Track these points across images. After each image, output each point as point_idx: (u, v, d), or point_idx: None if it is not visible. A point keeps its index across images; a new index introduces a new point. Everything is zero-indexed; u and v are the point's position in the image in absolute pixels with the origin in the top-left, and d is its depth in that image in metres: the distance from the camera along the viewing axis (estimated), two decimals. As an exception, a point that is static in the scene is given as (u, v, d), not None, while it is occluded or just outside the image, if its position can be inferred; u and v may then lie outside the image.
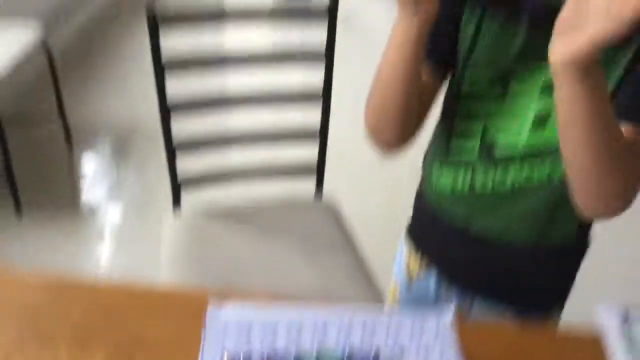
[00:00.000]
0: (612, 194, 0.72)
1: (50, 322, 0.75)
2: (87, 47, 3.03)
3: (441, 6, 0.71)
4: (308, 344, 0.72)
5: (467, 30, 0.79)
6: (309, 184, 1.46)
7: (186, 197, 1.42)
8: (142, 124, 2.48)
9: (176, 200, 1.40)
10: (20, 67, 1.94)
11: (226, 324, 0.74)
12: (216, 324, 0.74)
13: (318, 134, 1.40)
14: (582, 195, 0.73)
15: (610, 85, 0.71)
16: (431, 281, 0.96)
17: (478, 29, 0.78)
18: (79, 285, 0.82)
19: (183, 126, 1.35)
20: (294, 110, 1.37)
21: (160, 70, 1.25)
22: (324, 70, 1.35)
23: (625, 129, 0.71)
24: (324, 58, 1.32)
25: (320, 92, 1.35)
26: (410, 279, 0.99)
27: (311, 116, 1.39)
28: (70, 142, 2.31)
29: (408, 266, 1.00)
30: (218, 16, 1.31)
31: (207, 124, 1.37)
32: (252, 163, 1.43)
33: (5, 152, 1.92)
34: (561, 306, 0.93)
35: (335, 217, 1.37)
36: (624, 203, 0.73)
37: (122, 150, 2.37)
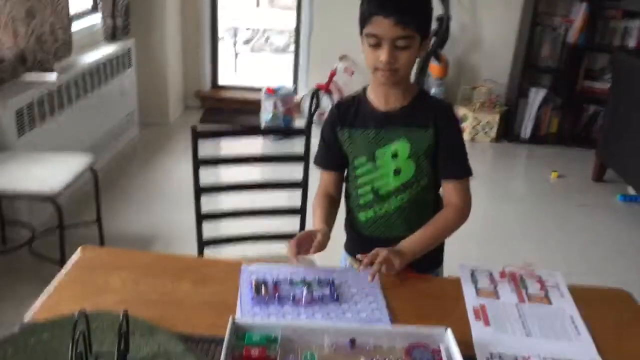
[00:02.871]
0: (456, 228, 1.49)
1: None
2: (120, 171, 3.75)
3: (327, 136, 1.55)
4: (297, 277, 1.34)
5: (344, 139, 1.53)
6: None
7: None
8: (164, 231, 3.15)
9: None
10: (71, 185, 2.61)
11: (252, 270, 1.36)
12: (247, 270, 1.36)
13: (299, 210, 2.08)
14: None
15: (425, 145, 1.46)
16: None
17: (350, 136, 1.52)
18: (169, 259, 1.44)
19: (207, 204, 2.01)
20: (285, 196, 2.07)
21: (196, 165, 1.94)
22: (302, 170, 2.06)
23: (446, 184, 1.48)
24: (302, 162, 2.03)
25: (300, 184, 2.05)
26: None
27: (295, 200, 2.08)
28: (103, 243, 2.94)
29: (351, 265, 1.64)
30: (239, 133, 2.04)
31: (225, 203, 2.04)
32: (255, 229, 2.08)
33: (62, 245, 2.53)
34: (440, 266, 1.61)
35: (311, 263, 2.00)
36: (463, 222, 1.50)
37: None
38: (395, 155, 1.49)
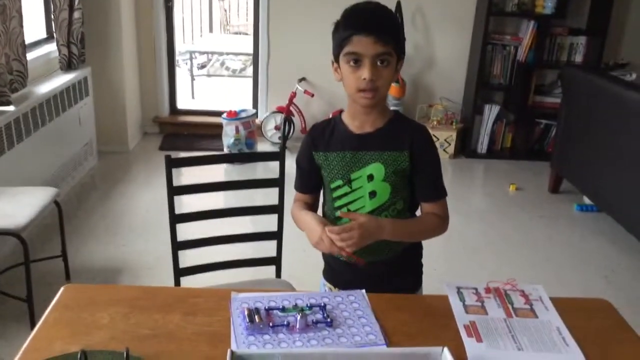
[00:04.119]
0: (435, 235, 1.51)
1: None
2: (80, 202, 3.65)
3: (304, 162, 1.57)
4: (289, 303, 1.34)
5: (321, 162, 1.54)
6: (271, 269, 2.11)
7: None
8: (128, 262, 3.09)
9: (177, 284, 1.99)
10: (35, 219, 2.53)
11: (243, 299, 1.35)
12: (237, 299, 1.35)
13: (275, 235, 2.08)
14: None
15: (400, 167, 1.48)
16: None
17: (326, 158, 1.53)
18: (154, 292, 1.41)
19: (181, 232, 1.98)
20: (261, 220, 2.06)
21: (171, 193, 1.92)
22: (278, 195, 2.06)
23: (426, 205, 1.52)
24: (277, 188, 2.03)
25: (276, 208, 2.05)
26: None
27: (271, 224, 2.07)
28: (69, 278, 2.85)
29: (330, 290, 1.64)
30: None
31: (194, 230, 2.02)
32: (233, 256, 2.06)
33: (28, 281, 2.45)
34: (420, 288, 1.63)
35: (290, 288, 1.99)
36: (443, 232, 1.52)
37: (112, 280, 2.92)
38: (370, 178, 1.50)
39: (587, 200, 4.08)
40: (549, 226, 3.86)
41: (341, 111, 1.60)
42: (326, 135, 1.55)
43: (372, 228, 1.40)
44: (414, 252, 1.64)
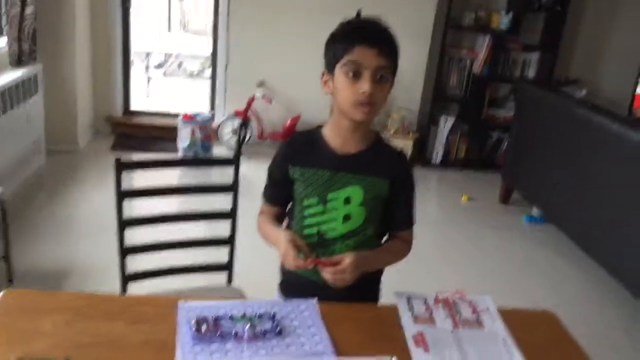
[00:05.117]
0: (401, 259, 1.54)
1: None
2: (26, 202, 3.53)
3: (276, 173, 1.52)
4: (237, 312, 1.32)
5: (296, 177, 1.50)
6: (223, 276, 2.07)
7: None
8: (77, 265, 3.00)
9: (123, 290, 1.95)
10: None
11: (190, 307, 1.33)
12: (184, 308, 1.32)
13: (227, 241, 2.05)
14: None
15: (379, 194, 1.48)
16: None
17: (302, 174, 1.49)
18: (100, 299, 1.37)
19: (130, 237, 1.94)
20: (214, 226, 2.03)
21: (120, 197, 1.87)
22: (232, 201, 2.03)
23: (396, 231, 1.55)
24: (232, 193, 2.01)
25: (229, 214, 2.03)
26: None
27: (224, 230, 2.05)
28: (12, 281, 2.75)
29: None
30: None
31: (144, 235, 1.97)
32: (185, 261, 2.03)
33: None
34: (377, 299, 1.63)
35: (240, 295, 1.97)
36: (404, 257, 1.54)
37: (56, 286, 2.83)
38: (347, 201, 1.47)
39: (535, 212, 4.18)
40: (498, 236, 3.94)
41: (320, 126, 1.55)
42: (305, 150, 1.51)
43: (361, 265, 1.38)
44: (375, 276, 1.62)
